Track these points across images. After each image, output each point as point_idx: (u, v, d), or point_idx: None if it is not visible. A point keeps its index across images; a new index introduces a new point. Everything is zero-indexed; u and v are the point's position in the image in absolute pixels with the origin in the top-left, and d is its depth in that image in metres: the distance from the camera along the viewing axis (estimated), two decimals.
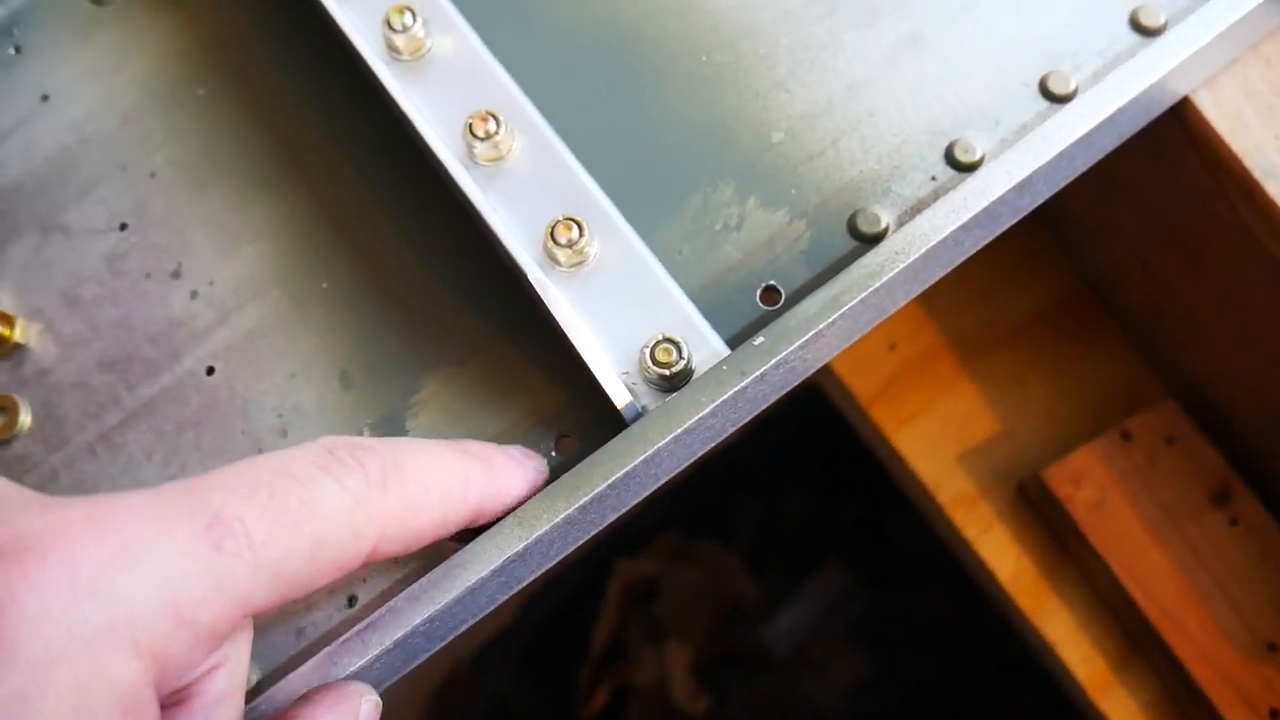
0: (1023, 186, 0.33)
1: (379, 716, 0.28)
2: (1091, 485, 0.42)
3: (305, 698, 0.28)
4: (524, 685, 0.91)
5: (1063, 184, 0.34)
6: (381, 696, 0.30)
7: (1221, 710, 0.40)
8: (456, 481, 0.28)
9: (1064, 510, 0.42)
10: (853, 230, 0.34)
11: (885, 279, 0.31)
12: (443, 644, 0.31)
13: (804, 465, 1.00)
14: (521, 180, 0.34)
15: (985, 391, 0.46)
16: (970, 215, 0.32)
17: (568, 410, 0.33)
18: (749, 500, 0.98)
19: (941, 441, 0.46)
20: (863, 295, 0.31)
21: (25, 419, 0.35)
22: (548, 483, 0.31)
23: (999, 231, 0.34)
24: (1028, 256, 0.48)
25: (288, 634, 0.32)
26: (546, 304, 0.31)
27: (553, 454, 0.33)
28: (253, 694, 0.31)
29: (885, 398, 0.46)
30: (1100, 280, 0.47)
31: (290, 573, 0.24)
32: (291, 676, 0.29)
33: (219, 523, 0.23)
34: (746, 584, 0.96)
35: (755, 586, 0.96)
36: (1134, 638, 0.43)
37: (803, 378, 0.33)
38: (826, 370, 0.48)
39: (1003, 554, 0.44)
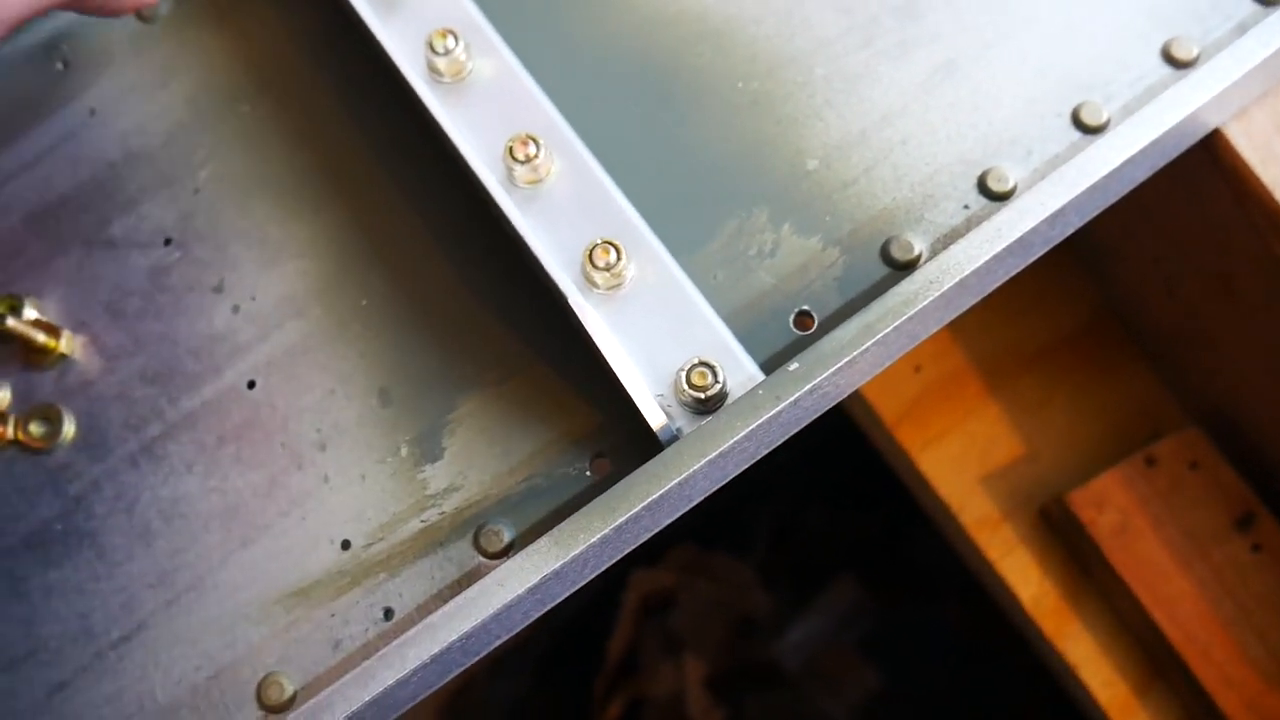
0: (1055, 218, 0.33)
1: None
2: (1114, 510, 0.43)
3: None
4: (540, 694, 0.91)
5: (1093, 214, 0.35)
6: None
7: None
8: None
9: (1087, 534, 0.42)
10: (886, 258, 0.34)
11: (919, 307, 0.32)
12: (477, 659, 0.32)
13: (818, 479, 1.01)
14: (560, 203, 0.35)
15: (1009, 414, 0.47)
16: (1004, 245, 0.32)
17: (602, 431, 0.34)
18: (764, 513, 0.99)
19: (965, 463, 0.46)
20: (897, 323, 0.31)
21: (69, 429, 0.35)
22: (583, 501, 0.31)
23: (1030, 260, 0.34)
24: (1053, 281, 0.49)
25: (325, 647, 0.32)
26: (584, 326, 0.32)
27: (587, 474, 0.33)
28: (289, 705, 0.32)
29: (910, 419, 0.47)
30: (1124, 305, 0.47)
31: None
32: (329, 691, 0.30)
33: None
34: (760, 597, 0.96)
35: (769, 599, 0.96)
36: (1157, 662, 0.43)
37: (835, 402, 0.33)
38: (854, 393, 0.48)
39: (1025, 576, 0.45)
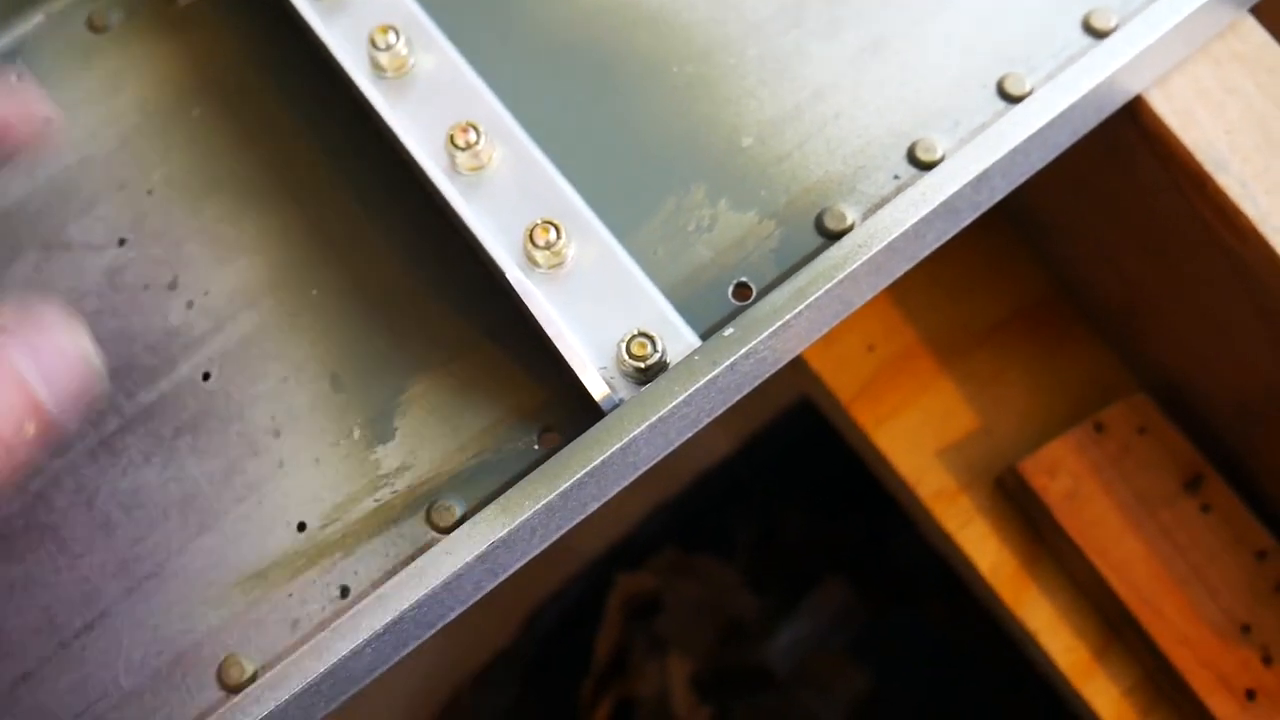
0: (980, 181, 0.34)
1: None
2: (1066, 475, 0.43)
3: None
4: (528, 702, 0.91)
5: (1020, 180, 0.36)
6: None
7: (1200, 693, 0.41)
8: None
9: (1040, 501, 0.43)
10: (820, 228, 0.35)
11: (849, 270, 0.33)
12: (433, 630, 0.32)
13: (803, 480, 1.01)
14: (502, 187, 0.36)
15: (963, 389, 0.48)
16: (930, 209, 0.33)
17: (550, 405, 0.34)
18: (748, 515, 0.99)
19: (921, 438, 0.47)
20: (827, 287, 0.32)
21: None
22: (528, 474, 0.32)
23: (961, 226, 0.35)
24: (1001, 258, 0.50)
25: (283, 627, 0.33)
26: (526, 304, 0.32)
27: (536, 447, 0.34)
28: (249, 684, 0.32)
29: (865, 397, 0.48)
30: (1071, 279, 0.48)
31: None
32: (285, 664, 0.31)
33: None
34: (746, 600, 0.96)
35: (755, 602, 0.96)
36: (1113, 624, 0.44)
37: (774, 369, 0.34)
38: (810, 373, 0.49)
39: (983, 546, 0.45)
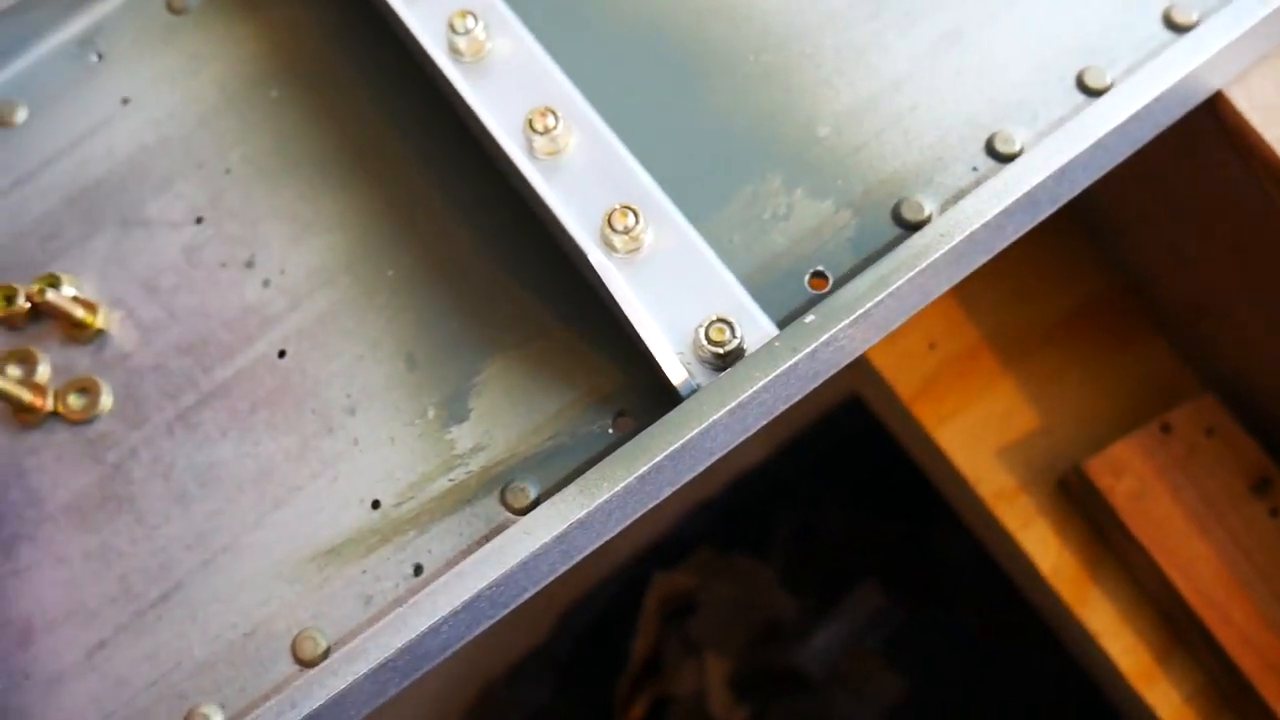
0: (1061, 174, 0.34)
1: None
2: (1132, 476, 0.43)
3: None
4: (562, 698, 0.91)
5: (1100, 174, 0.35)
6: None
7: (1268, 698, 0.41)
8: None
9: (1105, 501, 0.43)
10: (897, 218, 0.35)
11: (931, 260, 0.32)
12: (506, 610, 0.32)
13: (840, 481, 1.01)
14: (578, 173, 0.36)
15: (1024, 389, 0.47)
16: (1012, 200, 0.33)
17: (624, 389, 0.34)
18: (785, 515, 0.99)
19: (982, 437, 0.47)
20: (909, 275, 0.32)
21: (106, 400, 0.36)
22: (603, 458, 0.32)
23: (1039, 219, 0.35)
24: (1065, 257, 0.49)
25: (357, 603, 0.33)
26: (607, 287, 0.32)
27: (610, 431, 0.34)
28: (322, 659, 0.32)
29: (926, 395, 0.47)
30: (1138, 278, 0.48)
31: None
32: (361, 639, 0.31)
33: None
34: (782, 599, 0.96)
35: (790, 602, 0.96)
36: (1177, 628, 0.43)
37: (850, 358, 0.34)
38: (868, 370, 0.49)
39: (1044, 547, 0.45)
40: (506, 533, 0.31)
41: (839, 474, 0.99)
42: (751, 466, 0.95)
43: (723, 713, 0.87)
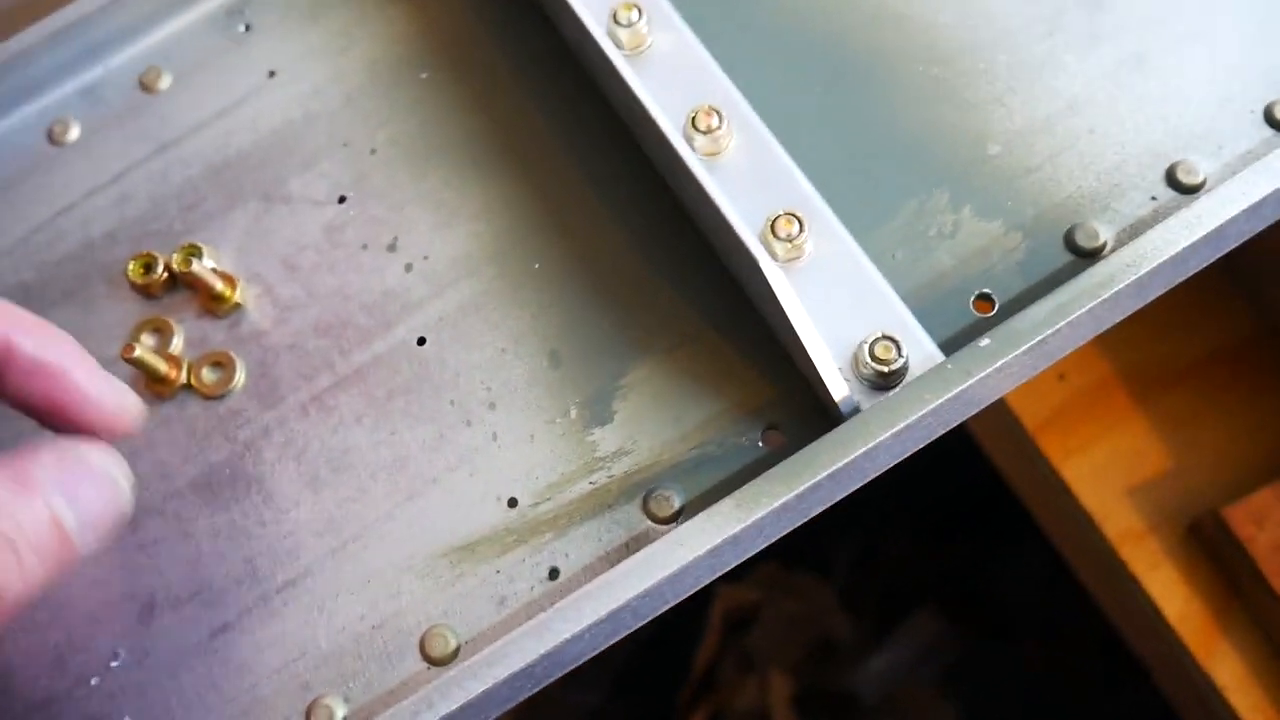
0: (1254, 210, 0.32)
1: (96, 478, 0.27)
2: (1275, 526, 0.41)
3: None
4: (617, 705, 0.90)
5: None
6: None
7: None
8: None
9: (1244, 551, 0.41)
10: (1070, 244, 0.34)
11: (1114, 290, 0.31)
12: (643, 623, 0.31)
13: (906, 505, 0.99)
14: (737, 176, 0.35)
15: (1157, 428, 0.46)
16: (1202, 234, 0.32)
17: (774, 402, 0.33)
18: (847, 538, 0.98)
19: (1110, 474, 0.45)
20: (1090, 306, 0.31)
21: (240, 376, 0.36)
22: (755, 471, 0.31)
23: (1221, 254, 0.33)
24: (1204, 295, 0.48)
25: (489, 603, 0.32)
26: (774, 296, 0.31)
27: (760, 444, 0.33)
28: (452, 658, 0.32)
29: (1053, 427, 0.46)
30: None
31: None
32: (503, 642, 0.30)
33: None
34: (841, 620, 0.95)
35: (849, 623, 0.95)
36: None
37: (1015, 385, 0.32)
38: None
39: (1171, 592, 0.43)
40: (658, 543, 0.30)
41: (904, 498, 0.97)
42: None
43: None
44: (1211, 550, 0.43)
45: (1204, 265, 0.33)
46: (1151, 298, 0.33)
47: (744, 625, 0.92)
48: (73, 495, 0.26)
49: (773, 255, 0.33)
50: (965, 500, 0.93)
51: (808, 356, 0.31)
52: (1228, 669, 0.42)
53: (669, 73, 0.36)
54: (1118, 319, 0.33)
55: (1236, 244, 0.34)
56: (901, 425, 0.30)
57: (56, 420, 0.28)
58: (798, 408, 0.33)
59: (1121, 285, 0.31)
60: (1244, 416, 0.46)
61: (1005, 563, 0.93)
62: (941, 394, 0.30)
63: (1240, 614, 0.43)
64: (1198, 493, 0.45)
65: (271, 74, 0.40)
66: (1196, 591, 0.43)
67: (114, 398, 0.28)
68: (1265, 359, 0.47)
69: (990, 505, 0.88)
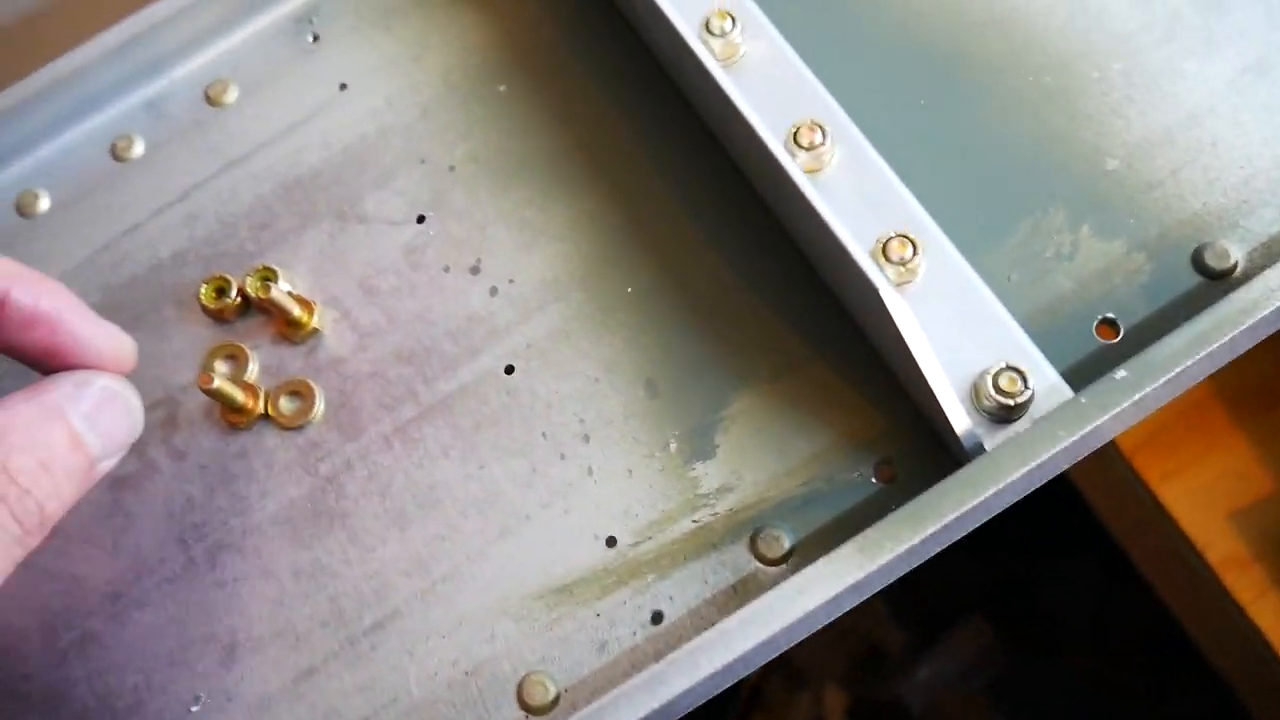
0: None
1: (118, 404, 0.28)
2: None
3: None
4: None
5: None
6: None
7: None
8: None
9: None
10: (1198, 265, 0.32)
11: (1258, 317, 0.29)
12: (753, 669, 0.30)
13: None
14: (840, 194, 0.33)
15: (1259, 450, 0.44)
16: None
17: (886, 435, 0.32)
18: None
19: (1211, 498, 0.43)
20: (1232, 334, 0.29)
21: (319, 406, 0.34)
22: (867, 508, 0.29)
23: None
24: None
25: (590, 648, 0.31)
26: (894, 321, 0.29)
27: (872, 480, 0.31)
28: (551, 706, 0.30)
29: (1150, 448, 0.44)
30: None
31: None
32: (614, 694, 0.28)
33: None
34: (889, 630, 0.93)
35: (897, 634, 0.93)
36: None
37: (1144, 417, 0.31)
38: None
39: (1278, 623, 0.42)
40: (776, 590, 0.28)
41: None
42: None
43: None
44: None
45: None
46: None
47: None
48: (94, 418, 0.28)
49: (886, 280, 0.31)
50: (1016, 510, 0.91)
51: (926, 387, 0.30)
52: None
53: (766, 85, 0.34)
54: (1250, 345, 0.31)
55: None
56: (1034, 464, 0.28)
57: (57, 367, 0.29)
58: (911, 440, 0.31)
59: (1266, 312, 0.29)
60: None
61: (1056, 575, 0.91)
62: (1076, 430, 0.28)
63: None
64: None
65: (343, 86, 0.38)
66: None
67: (111, 341, 0.29)
68: None
69: (1040, 516, 0.87)
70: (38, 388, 0.27)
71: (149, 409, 0.34)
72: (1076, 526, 0.74)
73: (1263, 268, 0.30)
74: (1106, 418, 0.29)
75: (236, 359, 0.35)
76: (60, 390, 0.28)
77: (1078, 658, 0.90)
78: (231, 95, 0.39)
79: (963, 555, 0.97)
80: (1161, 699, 0.85)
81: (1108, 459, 0.45)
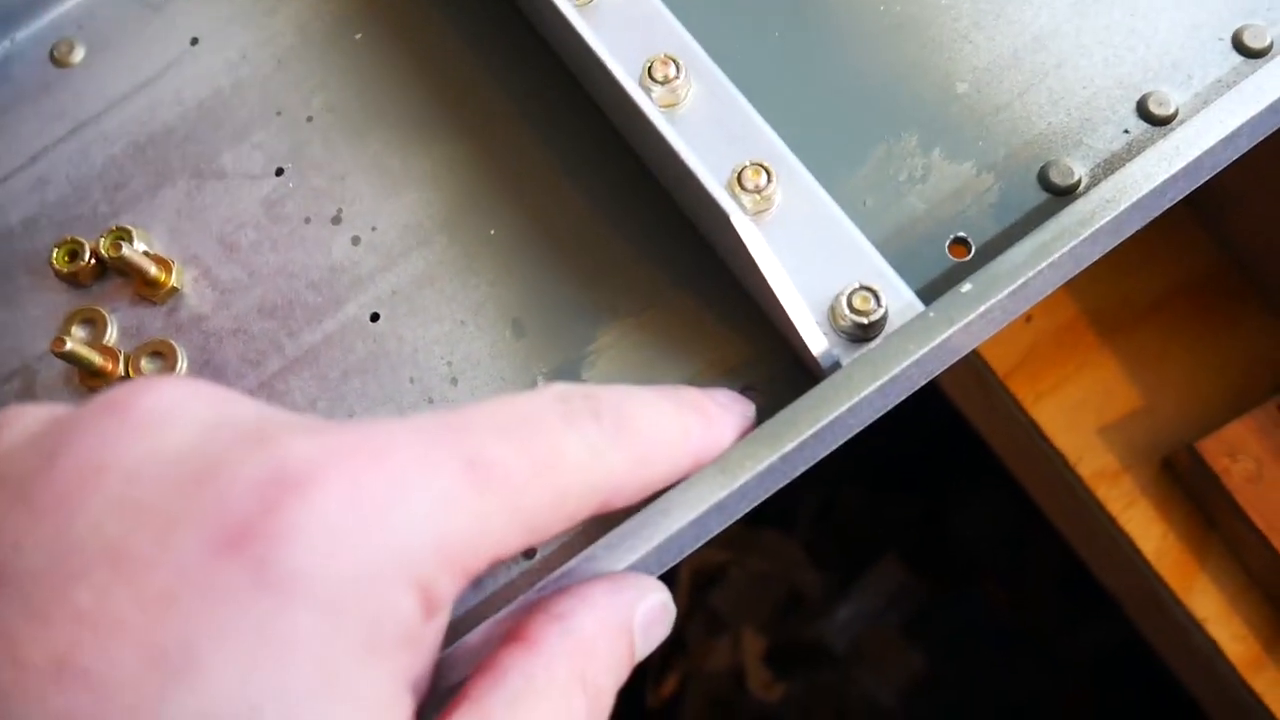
0: (1230, 140, 0.31)
1: (667, 617, 0.27)
2: (1248, 458, 0.41)
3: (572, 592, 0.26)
4: None
5: (1261, 138, 0.33)
6: None
7: None
8: (678, 434, 0.27)
9: (1219, 483, 0.41)
10: (1044, 182, 0.33)
11: (1095, 227, 0.30)
12: None
13: (864, 456, 0.99)
14: (698, 127, 0.33)
15: (1124, 366, 0.45)
16: (1181, 165, 0.31)
17: (751, 362, 0.32)
18: (808, 492, 0.98)
19: (1081, 415, 0.45)
20: (1072, 245, 0.30)
21: (182, 365, 0.34)
22: None
23: (1196, 186, 0.33)
24: (1166, 231, 0.47)
25: None
26: (746, 250, 0.30)
27: None
28: None
29: (1022, 370, 0.45)
30: (1246, 254, 0.46)
31: (537, 522, 0.23)
32: (478, 631, 0.28)
33: (481, 464, 0.22)
34: (808, 574, 0.95)
35: (816, 576, 0.95)
36: None
37: (995, 331, 0.32)
38: None
39: (1147, 530, 0.43)
40: (637, 517, 0.28)
41: (863, 449, 0.97)
42: None
43: (761, 690, 0.85)
44: (1186, 485, 0.43)
45: (1180, 197, 0.33)
46: (1129, 233, 0.32)
47: (711, 586, 0.92)
48: (648, 633, 0.27)
49: (741, 208, 0.32)
50: (923, 448, 0.93)
51: (784, 312, 0.30)
52: (1207, 601, 0.42)
53: (621, 22, 0.34)
54: (1097, 257, 0.32)
55: (1212, 175, 0.33)
56: (886, 378, 0.29)
57: None
58: (775, 366, 0.32)
59: (1102, 222, 0.30)
60: (1211, 350, 0.46)
61: (965, 508, 0.94)
62: (925, 343, 0.29)
63: (1217, 547, 0.43)
64: (1170, 429, 0.45)
65: (194, 41, 0.37)
66: (1172, 527, 0.43)
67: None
68: (1230, 291, 0.46)
69: (948, 452, 0.89)
70: (614, 583, 0.26)
71: (3, 381, 0.34)
72: (983, 459, 0.76)
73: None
74: (954, 329, 0.29)
75: (94, 323, 0.34)
76: (627, 597, 0.27)
77: (991, 588, 0.93)
78: (78, 55, 0.38)
79: (875, 496, 0.99)
80: (1074, 624, 0.88)
81: (987, 386, 0.47)
